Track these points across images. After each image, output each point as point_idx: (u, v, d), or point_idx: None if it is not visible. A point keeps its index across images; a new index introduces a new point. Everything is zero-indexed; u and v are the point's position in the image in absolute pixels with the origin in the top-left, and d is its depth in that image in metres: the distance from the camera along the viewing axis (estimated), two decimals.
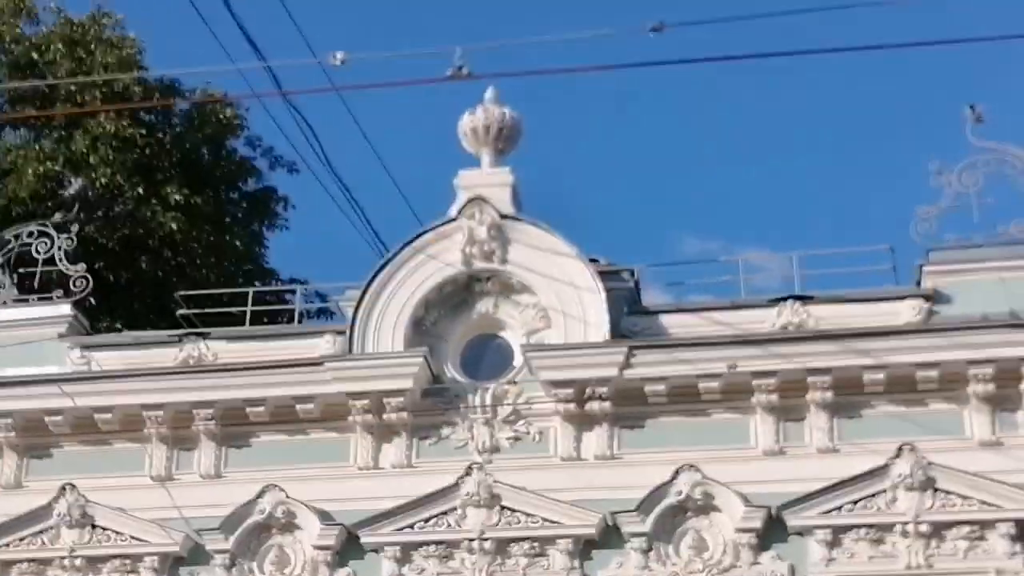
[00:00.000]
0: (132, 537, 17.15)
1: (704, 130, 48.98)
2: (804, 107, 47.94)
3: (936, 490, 15.75)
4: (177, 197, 28.45)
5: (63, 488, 17.31)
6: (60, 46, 29.29)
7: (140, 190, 28.32)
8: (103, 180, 27.66)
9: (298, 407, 17.20)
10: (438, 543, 16.50)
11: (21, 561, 17.27)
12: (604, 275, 17.29)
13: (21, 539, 17.36)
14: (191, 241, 29.10)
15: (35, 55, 29.40)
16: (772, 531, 15.98)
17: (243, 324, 19.18)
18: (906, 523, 15.67)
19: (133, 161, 28.68)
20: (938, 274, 16.85)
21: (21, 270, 19.13)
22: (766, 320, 16.91)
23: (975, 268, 16.79)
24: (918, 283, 17.02)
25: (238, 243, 30.44)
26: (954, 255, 16.91)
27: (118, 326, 26.46)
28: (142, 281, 29.27)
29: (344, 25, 46.12)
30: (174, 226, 28.05)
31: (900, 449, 15.83)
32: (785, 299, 17.00)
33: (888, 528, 15.74)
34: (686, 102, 48.37)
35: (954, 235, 17.06)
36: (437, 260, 17.48)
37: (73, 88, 28.70)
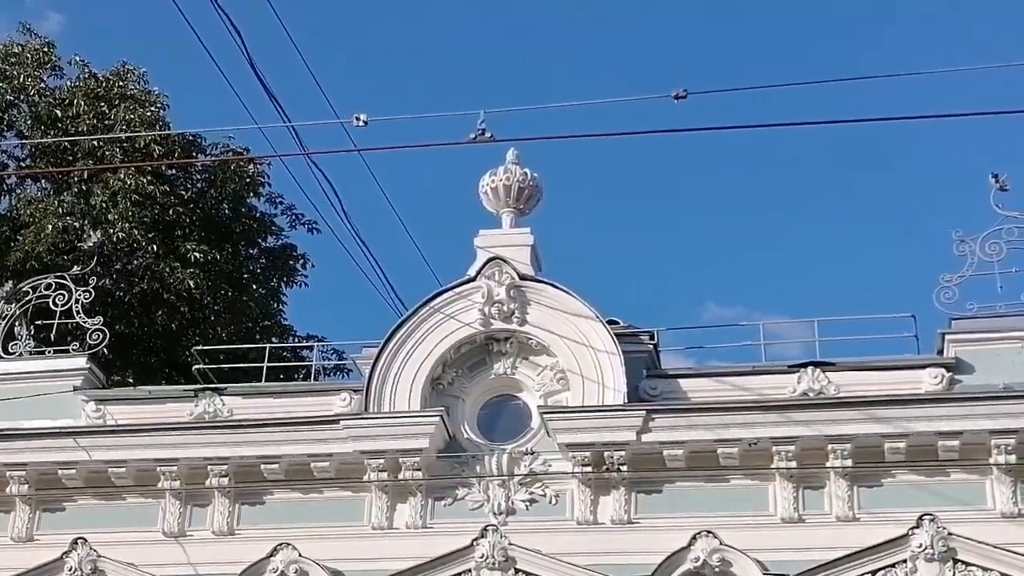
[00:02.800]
0: None
1: (726, 196, 48.97)
2: (827, 174, 47.95)
3: (956, 561, 15.58)
4: (197, 254, 28.45)
5: (75, 542, 17.21)
6: (82, 101, 29.39)
7: (156, 246, 28.33)
8: (121, 234, 27.67)
9: (313, 465, 17.09)
10: None
11: None
12: (623, 338, 17.21)
13: None
14: (208, 296, 29.10)
15: (58, 111, 29.51)
16: None
17: (259, 380, 19.14)
18: None
19: (152, 216, 28.72)
20: (960, 343, 16.75)
21: (38, 322, 19.10)
22: (786, 386, 16.80)
23: (998, 337, 16.71)
24: (940, 351, 16.91)
25: (252, 304, 30.40)
26: (977, 324, 16.81)
27: (131, 379, 26.45)
28: (157, 335, 29.25)
29: (367, 86, 46.34)
30: (191, 283, 28.04)
31: (920, 519, 15.67)
32: (806, 365, 16.89)
33: None
34: (707, 168, 48.43)
35: (977, 304, 16.97)
36: (455, 320, 17.42)
37: (95, 143, 28.80)
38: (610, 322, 17.32)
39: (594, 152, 50.00)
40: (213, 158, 30.58)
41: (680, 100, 13.46)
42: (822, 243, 47.97)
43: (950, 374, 16.59)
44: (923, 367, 16.74)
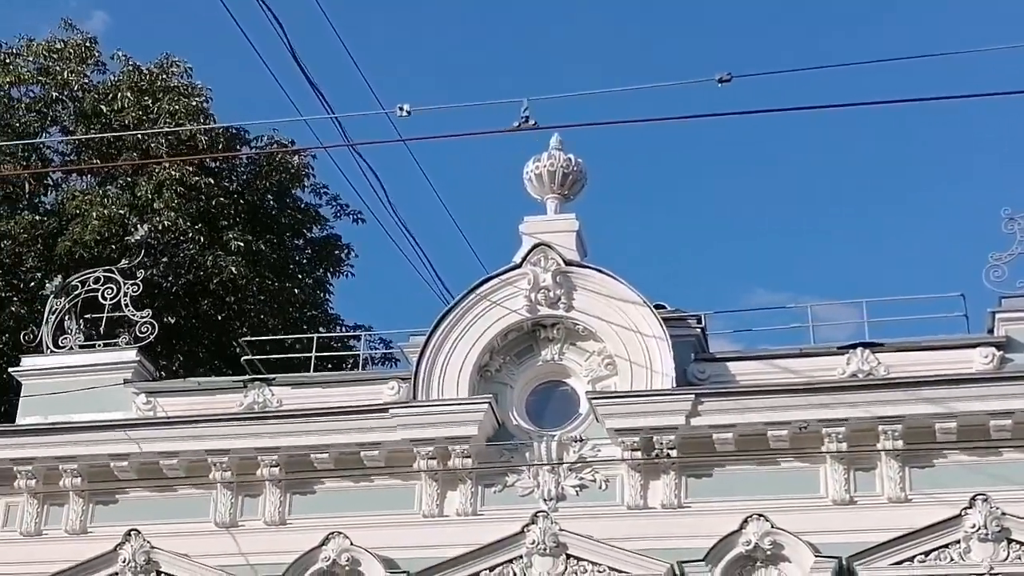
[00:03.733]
0: None
1: (772, 179, 48.79)
2: (874, 154, 47.69)
3: (1011, 541, 15.48)
4: (240, 243, 28.56)
5: (128, 534, 17.30)
6: (127, 94, 29.53)
7: (203, 236, 28.45)
8: (167, 223, 27.80)
9: (363, 454, 17.14)
10: None
11: None
12: (670, 322, 17.18)
13: None
14: (254, 286, 29.21)
15: (102, 106, 29.68)
16: None
17: (307, 370, 19.19)
18: (980, 574, 15.39)
19: (197, 208, 28.85)
20: (1010, 321, 16.64)
21: (87, 316, 19.21)
22: (835, 368, 16.73)
23: None
24: (990, 330, 16.80)
25: (297, 290, 30.52)
26: None
27: (178, 369, 26.60)
28: (204, 325, 29.40)
29: (410, 75, 46.37)
30: (234, 270, 28.12)
31: (973, 500, 15.57)
32: (855, 346, 16.82)
33: None
34: (753, 151, 48.24)
35: None
36: (502, 307, 17.42)
37: (140, 136, 28.92)
38: (657, 307, 17.28)
39: (638, 137, 49.99)
40: (257, 150, 30.68)
41: (724, 83, 13.39)
42: (870, 224, 47.73)
43: (1000, 353, 16.48)
44: (973, 346, 16.63)
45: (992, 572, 15.38)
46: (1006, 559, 15.43)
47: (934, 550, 15.61)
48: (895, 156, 47.64)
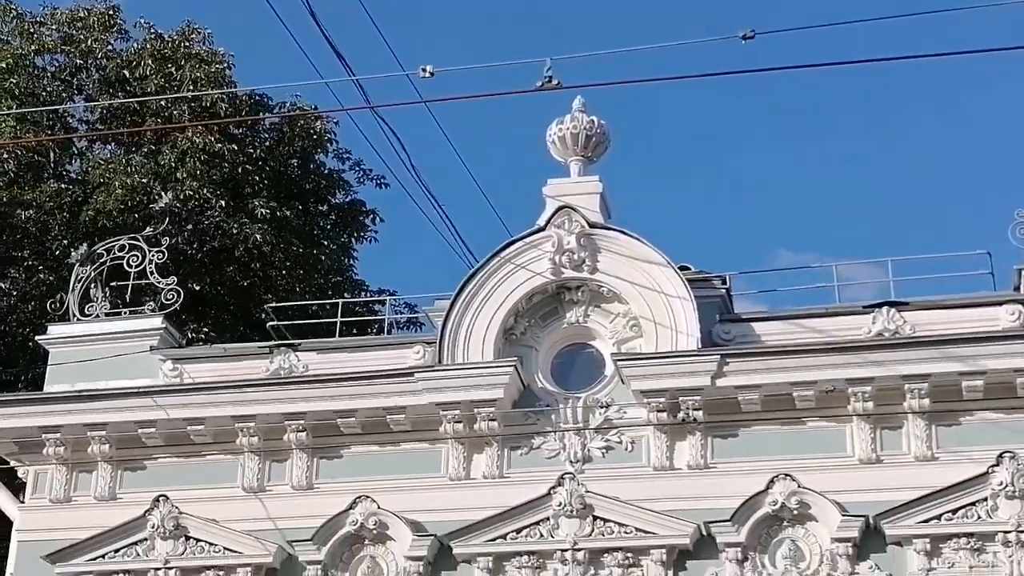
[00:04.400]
0: (225, 548, 17.20)
1: (797, 138, 48.61)
2: (897, 112, 47.47)
3: None
4: (264, 210, 28.60)
5: (156, 500, 17.39)
6: (150, 62, 29.57)
7: (225, 202, 28.50)
8: (190, 192, 27.86)
9: (389, 418, 17.19)
10: (531, 554, 16.41)
11: (116, 572, 17.36)
12: (695, 283, 17.14)
13: (116, 551, 17.44)
14: (278, 253, 29.25)
15: (126, 72, 29.73)
16: (869, 541, 15.75)
17: (332, 336, 19.24)
18: (1007, 532, 15.38)
19: (221, 175, 28.89)
20: None
21: (113, 283, 19.27)
22: (861, 327, 16.69)
23: None
24: (1017, 288, 16.75)
25: (323, 256, 30.56)
26: None
27: (202, 336, 26.68)
28: (230, 292, 29.47)
29: (432, 37, 46.27)
30: (259, 237, 28.17)
31: (1000, 457, 15.54)
32: (880, 305, 16.77)
33: (989, 537, 15.45)
34: (777, 110, 48.04)
35: None
36: (526, 270, 17.41)
37: (163, 103, 28.98)
38: (681, 268, 17.25)
39: (662, 97, 49.83)
40: (280, 115, 30.68)
41: (748, 40, 13.32)
42: (896, 181, 47.55)
43: None
44: (999, 304, 16.57)
45: (1019, 529, 15.34)
46: None
47: (961, 508, 15.58)
48: (920, 113, 47.45)
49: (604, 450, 16.82)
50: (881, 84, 47.30)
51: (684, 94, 50.11)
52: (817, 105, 47.34)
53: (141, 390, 17.90)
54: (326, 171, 31.74)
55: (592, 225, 17.40)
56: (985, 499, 15.54)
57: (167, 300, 18.73)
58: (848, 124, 48.80)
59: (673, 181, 49.03)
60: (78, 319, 18.86)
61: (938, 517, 15.58)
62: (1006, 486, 15.42)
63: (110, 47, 30.40)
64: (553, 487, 16.43)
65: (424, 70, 14.11)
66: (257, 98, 30.58)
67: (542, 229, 17.50)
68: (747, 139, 49.24)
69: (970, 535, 15.50)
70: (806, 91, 47.76)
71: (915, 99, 47.39)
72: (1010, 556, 15.35)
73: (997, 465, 15.51)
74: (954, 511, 15.59)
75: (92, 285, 19.06)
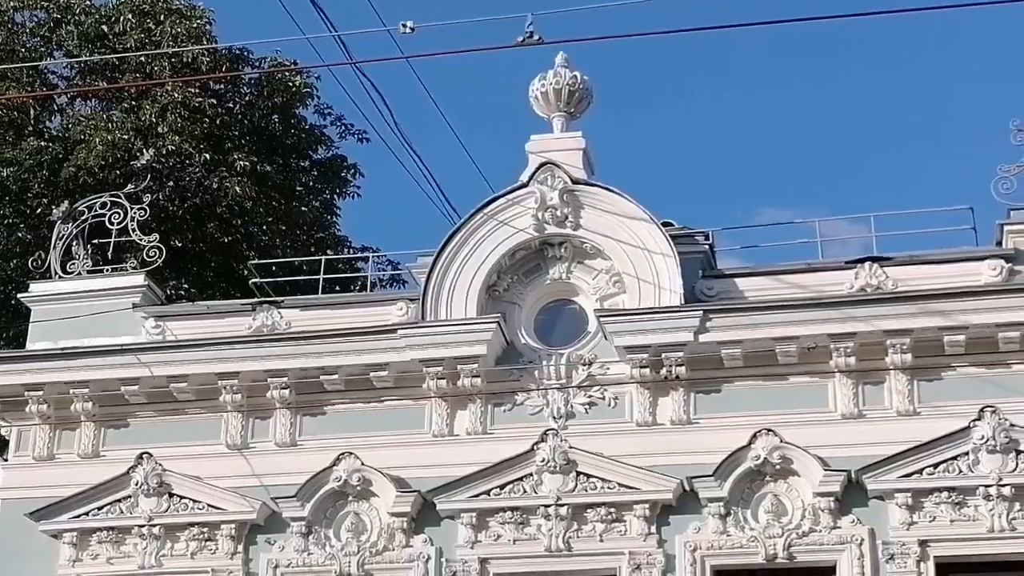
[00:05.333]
0: (209, 505, 17.23)
1: (782, 95, 48.53)
2: (880, 67, 47.42)
3: (1019, 452, 15.55)
4: (245, 164, 28.51)
5: (140, 457, 17.40)
6: (130, 17, 29.38)
7: (207, 156, 28.41)
8: (171, 147, 27.75)
9: (372, 375, 17.19)
10: (514, 509, 16.45)
11: (100, 530, 17.38)
12: (678, 239, 17.15)
13: (100, 508, 17.45)
14: (260, 209, 29.17)
15: (105, 28, 29.54)
16: (851, 495, 15.84)
17: (315, 292, 19.21)
18: (988, 486, 15.47)
19: (202, 130, 28.78)
20: (1019, 233, 16.61)
21: (95, 241, 19.20)
22: (844, 282, 16.71)
23: None
24: (999, 243, 16.77)
25: (305, 208, 30.48)
26: None
27: (184, 293, 26.63)
28: (212, 249, 29.39)
29: None
30: (239, 190, 28.07)
31: (982, 411, 15.62)
32: (863, 261, 16.79)
33: (970, 491, 15.55)
34: (761, 66, 47.96)
35: None
36: (509, 226, 17.40)
37: (142, 59, 28.82)
38: (664, 224, 17.25)
39: (646, 53, 49.68)
40: (260, 70, 30.53)
41: None
42: (878, 138, 47.56)
43: (1009, 265, 16.45)
44: (982, 259, 16.60)
45: (1000, 483, 15.44)
46: (1014, 470, 15.50)
47: (943, 462, 15.67)
48: (904, 70, 47.39)
49: (587, 406, 16.85)
50: (867, 37, 47.26)
51: (668, 50, 50.04)
52: (799, 60, 47.28)
53: (124, 347, 17.86)
54: (307, 126, 31.62)
55: (575, 181, 17.38)
56: (966, 453, 15.62)
57: (149, 257, 18.68)
58: (832, 79, 48.74)
59: (657, 137, 49.00)
60: (60, 276, 18.80)
61: (919, 471, 15.66)
62: (987, 440, 15.51)
63: (89, 2, 30.18)
64: (536, 443, 16.47)
65: (405, 26, 14.08)
66: (237, 52, 30.43)
67: (525, 185, 17.48)
68: (732, 96, 49.15)
69: (951, 489, 15.60)
70: (789, 47, 47.64)
71: (901, 53, 47.33)
72: (991, 510, 15.45)
73: (978, 420, 15.59)
74: (935, 465, 15.67)
75: (74, 242, 18.99)
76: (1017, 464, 15.51)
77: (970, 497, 15.55)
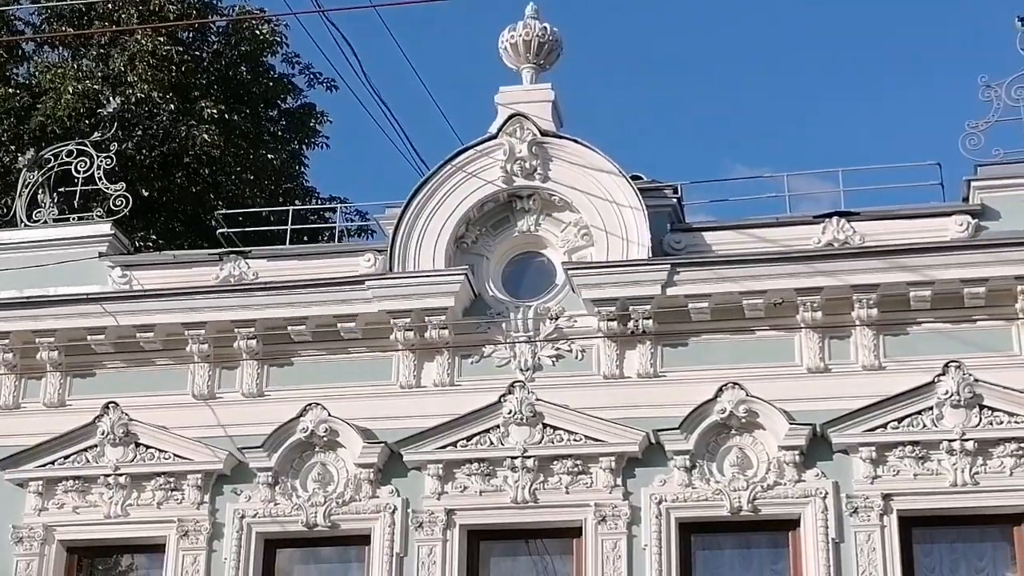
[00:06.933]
0: (175, 455, 17.19)
1: (749, 50, 48.47)
2: (849, 22, 47.38)
3: (983, 407, 15.63)
4: (212, 111, 28.37)
5: (106, 407, 17.35)
6: None
7: (175, 105, 28.25)
8: (140, 95, 27.58)
9: (339, 326, 17.16)
10: (480, 461, 16.47)
11: (66, 479, 17.32)
12: (646, 192, 17.15)
13: (66, 457, 17.38)
14: (228, 158, 29.03)
15: None
16: (816, 449, 15.90)
17: (283, 243, 19.14)
18: (952, 440, 15.57)
19: (170, 79, 28.60)
20: (986, 189, 16.64)
21: (61, 189, 19.09)
22: (811, 237, 16.74)
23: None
24: (965, 198, 16.82)
25: (273, 157, 30.33)
26: (1002, 170, 16.71)
27: (152, 242, 26.54)
28: (179, 198, 29.25)
29: None
30: (206, 137, 27.94)
31: (947, 366, 15.70)
32: (830, 215, 16.83)
33: (934, 446, 15.64)
34: (730, 20, 47.86)
35: (1003, 149, 16.84)
36: (478, 178, 17.36)
37: (110, 6, 28.60)
38: (633, 177, 17.25)
39: (616, 2, 49.47)
40: (230, 18, 30.33)
41: None
42: (846, 92, 47.57)
43: (976, 221, 16.50)
44: (949, 214, 16.65)
45: (964, 438, 15.55)
46: (978, 425, 15.59)
47: (907, 416, 15.75)
48: (871, 25, 47.37)
49: (554, 358, 16.87)
50: None
51: (638, 1, 49.88)
52: (768, 14, 47.20)
53: (90, 296, 17.77)
54: (276, 75, 31.46)
55: (544, 133, 17.35)
56: (931, 408, 15.71)
57: (116, 206, 18.58)
58: (800, 34, 48.71)
59: (627, 90, 48.89)
60: (25, 225, 18.69)
61: (884, 426, 15.74)
62: (951, 395, 15.60)
63: None
64: (503, 395, 16.50)
65: None
66: (206, 1, 30.21)
67: (494, 137, 17.43)
68: (702, 49, 49.08)
69: (915, 443, 15.68)
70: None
71: (869, 8, 47.30)
72: (954, 464, 15.55)
73: (943, 374, 15.68)
74: (900, 420, 15.75)
75: (40, 191, 18.88)
76: (980, 419, 15.61)
77: (934, 451, 15.65)
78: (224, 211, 21.48)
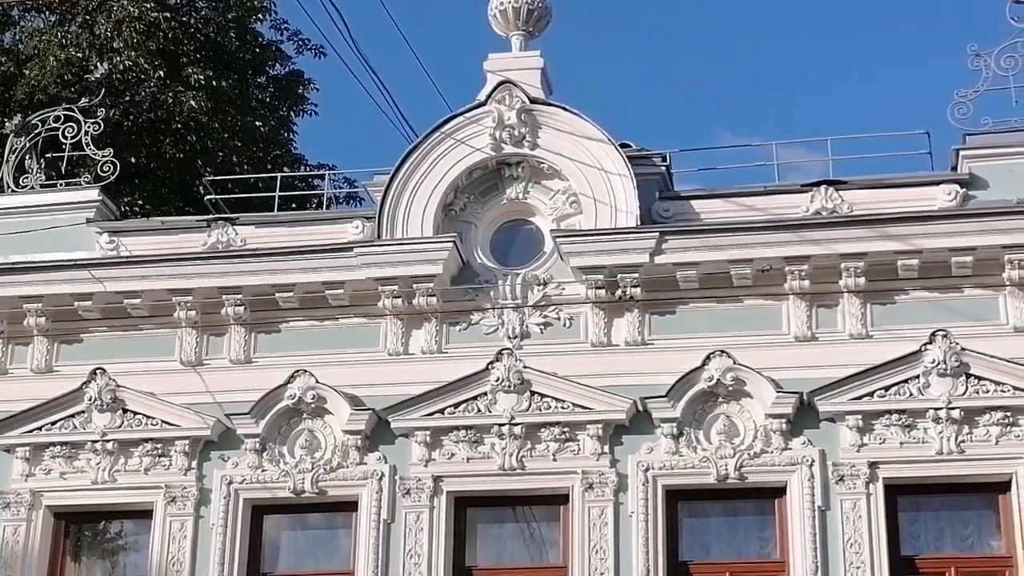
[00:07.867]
0: (163, 421, 17.20)
1: (739, 19, 48.38)
2: None
3: (969, 376, 15.68)
4: (200, 78, 28.29)
5: (94, 372, 17.34)
6: None
7: (163, 72, 28.15)
8: (127, 63, 27.49)
9: (327, 293, 17.16)
10: (468, 428, 16.50)
11: (53, 444, 17.31)
12: (635, 160, 17.14)
13: (53, 423, 17.39)
14: (216, 124, 28.94)
15: None
16: (803, 417, 15.94)
17: (271, 210, 19.13)
18: (938, 409, 15.63)
19: (157, 45, 28.48)
20: (974, 158, 16.67)
21: (48, 155, 19.03)
22: (799, 205, 16.76)
23: (1012, 152, 16.67)
24: (954, 168, 16.84)
25: (259, 123, 30.24)
26: (991, 139, 16.75)
27: (139, 208, 26.47)
28: (167, 165, 29.17)
29: None
30: (194, 104, 27.86)
31: (933, 335, 15.75)
32: (819, 184, 16.84)
33: (920, 414, 15.69)
34: None
35: (991, 119, 16.87)
36: (466, 145, 17.34)
37: None
38: (622, 145, 17.23)
39: None
40: None
41: None
42: (836, 61, 47.53)
43: (964, 190, 16.54)
44: (937, 183, 16.68)
45: (950, 406, 15.60)
46: (964, 393, 15.65)
47: (894, 385, 15.80)
48: None
49: (542, 326, 16.88)
50: None
51: None
52: None
53: (77, 262, 17.75)
54: (264, 42, 31.36)
55: (533, 101, 17.32)
56: (917, 376, 15.76)
57: (103, 172, 18.53)
58: (787, 4, 48.64)
59: (615, 58, 48.81)
60: (12, 191, 18.64)
61: (871, 394, 15.79)
62: (938, 364, 15.65)
63: None
64: (491, 362, 16.51)
65: None
66: None
67: (482, 104, 17.41)
68: (691, 18, 49.00)
69: (902, 412, 15.74)
70: None
71: None
72: (940, 432, 15.61)
73: (930, 343, 15.73)
74: (887, 388, 15.80)
75: (27, 156, 18.82)
76: (967, 388, 15.67)
77: (920, 420, 15.70)
78: (212, 178, 21.50)
